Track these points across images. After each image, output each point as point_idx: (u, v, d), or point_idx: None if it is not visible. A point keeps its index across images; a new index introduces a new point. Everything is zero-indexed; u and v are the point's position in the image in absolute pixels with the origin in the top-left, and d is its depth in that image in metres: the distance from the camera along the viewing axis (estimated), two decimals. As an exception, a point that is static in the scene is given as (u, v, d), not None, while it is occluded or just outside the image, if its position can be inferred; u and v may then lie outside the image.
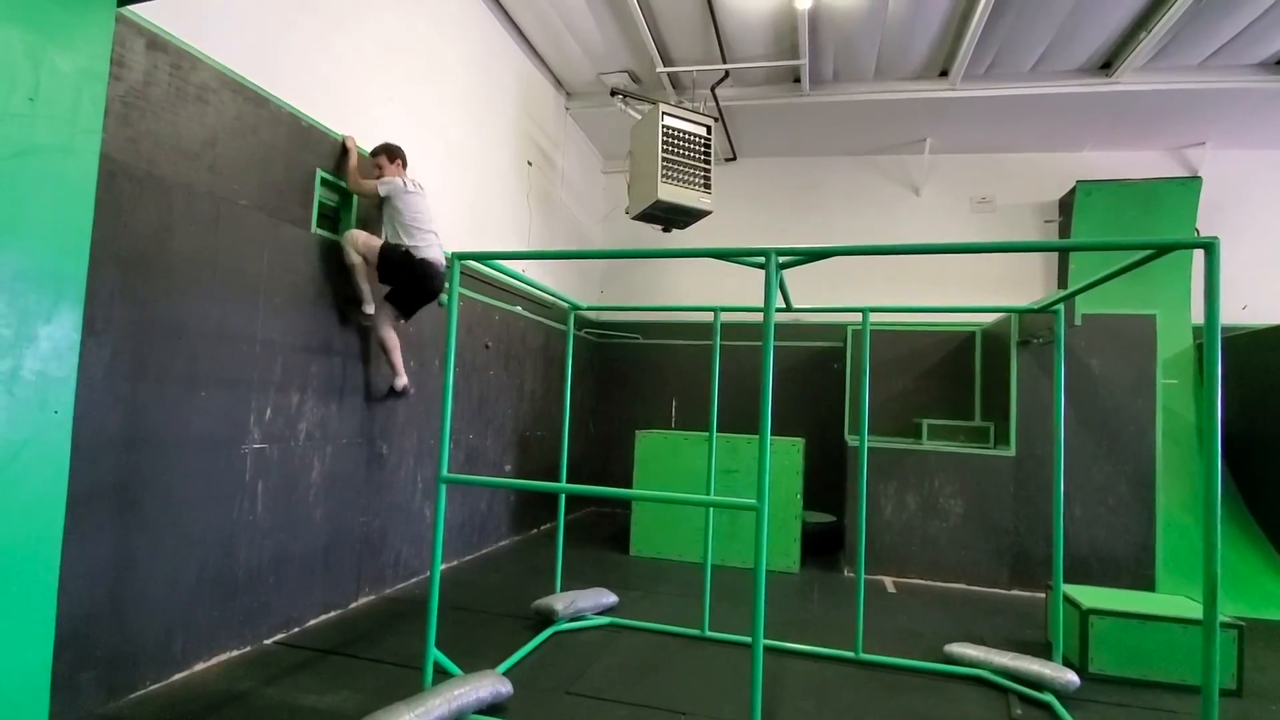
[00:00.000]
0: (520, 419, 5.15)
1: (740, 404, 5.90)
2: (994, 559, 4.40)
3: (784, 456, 4.61)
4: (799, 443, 4.65)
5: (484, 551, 4.63)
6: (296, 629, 2.95)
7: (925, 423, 4.93)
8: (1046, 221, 6.11)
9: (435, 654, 2.33)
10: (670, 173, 4.73)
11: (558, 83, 5.83)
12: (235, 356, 2.62)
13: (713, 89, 5.41)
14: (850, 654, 3.00)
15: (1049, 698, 2.62)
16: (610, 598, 3.51)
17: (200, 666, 2.49)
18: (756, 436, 4.71)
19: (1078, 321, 4.38)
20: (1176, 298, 5.36)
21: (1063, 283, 5.95)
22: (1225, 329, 3.35)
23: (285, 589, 2.89)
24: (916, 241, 6.16)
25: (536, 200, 5.52)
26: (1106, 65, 4.92)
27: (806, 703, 2.54)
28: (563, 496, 3.50)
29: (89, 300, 2.05)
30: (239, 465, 2.64)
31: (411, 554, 3.79)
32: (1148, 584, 4.12)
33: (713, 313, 3.51)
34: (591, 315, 6.78)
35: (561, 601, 3.22)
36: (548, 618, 3.16)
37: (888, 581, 4.43)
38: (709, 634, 3.18)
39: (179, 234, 2.38)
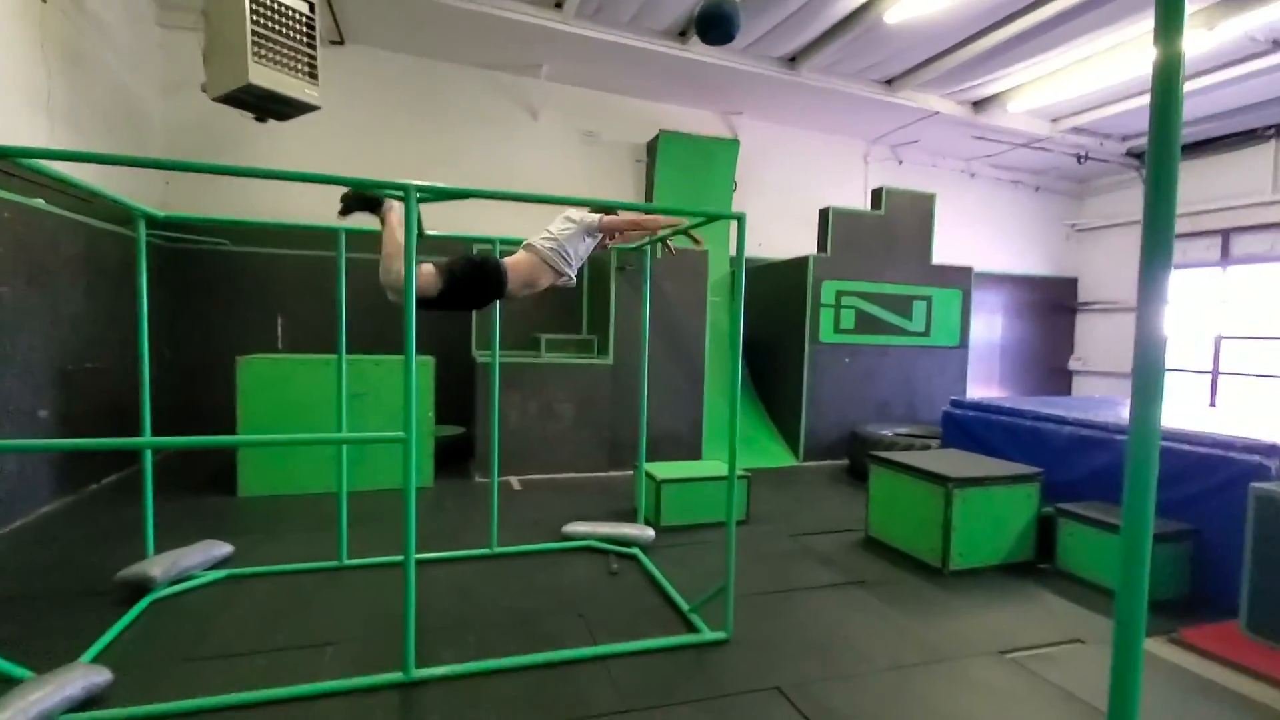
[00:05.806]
0: (60, 350, 3.97)
1: (360, 322, 5.56)
2: (597, 449, 5.29)
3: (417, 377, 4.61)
4: (429, 361, 4.71)
5: (19, 524, 3.57)
6: None
7: (544, 337, 5.46)
8: (638, 161, 7.11)
9: (-18, 665, 1.83)
10: (264, 51, 3.92)
11: (79, -111, 4.25)
12: None
13: (316, -41, 4.65)
14: (486, 550, 3.35)
15: (636, 551, 3.41)
16: (223, 549, 3.15)
17: None
18: (379, 358, 4.62)
19: (659, 255, 5.35)
20: (720, 235, 6.92)
21: (647, 215, 7.10)
22: (747, 260, 4.61)
23: None
24: (531, 166, 6.62)
25: (57, 54, 4.08)
26: (683, 33, 5.84)
27: (449, 601, 2.79)
28: (148, 453, 2.92)
29: None
30: None
31: (-111, 547, 2.72)
32: (697, 453, 5.53)
33: (337, 233, 3.24)
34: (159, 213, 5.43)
35: (159, 565, 2.77)
36: (143, 587, 2.70)
37: (514, 480, 4.94)
38: (348, 563, 3.15)
39: None
